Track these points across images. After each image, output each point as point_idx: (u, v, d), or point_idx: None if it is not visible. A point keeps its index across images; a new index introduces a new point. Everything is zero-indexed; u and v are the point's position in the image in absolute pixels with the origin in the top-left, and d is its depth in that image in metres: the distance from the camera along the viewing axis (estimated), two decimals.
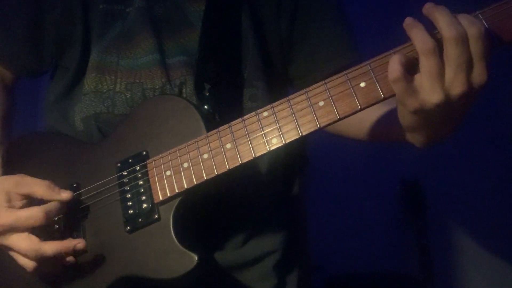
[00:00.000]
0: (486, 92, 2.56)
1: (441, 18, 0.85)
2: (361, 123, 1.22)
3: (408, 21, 0.88)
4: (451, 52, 0.85)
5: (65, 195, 1.09)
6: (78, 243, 1.07)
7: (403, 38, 0.93)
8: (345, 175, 2.86)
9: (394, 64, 0.87)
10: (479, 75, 0.86)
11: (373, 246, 2.81)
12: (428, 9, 0.87)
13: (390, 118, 1.07)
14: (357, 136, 1.28)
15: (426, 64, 0.86)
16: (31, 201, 1.08)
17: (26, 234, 1.04)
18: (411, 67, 0.88)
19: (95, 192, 1.14)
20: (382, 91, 0.92)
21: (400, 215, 2.84)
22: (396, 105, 0.95)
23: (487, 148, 2.80)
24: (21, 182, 1.08)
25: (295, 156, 1.34)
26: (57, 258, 1.06)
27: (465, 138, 2.76)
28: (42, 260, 1.05)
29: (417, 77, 0.88)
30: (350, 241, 2.82)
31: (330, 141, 2.62)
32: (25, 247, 1.04)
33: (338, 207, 2.85)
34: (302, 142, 1.37)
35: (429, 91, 0.87)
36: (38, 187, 1.07)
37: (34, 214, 1.04)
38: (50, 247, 1.05)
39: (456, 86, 0.86)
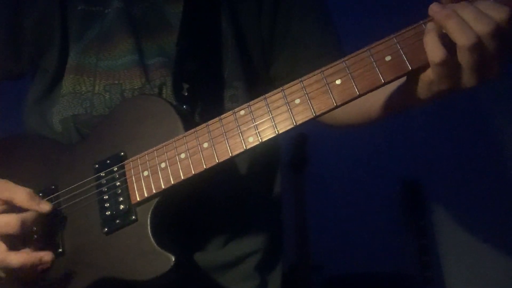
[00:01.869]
0: (486, 92, 2.54)
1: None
2: (362, 108, 1.17)
3: (436, 9, 0.83)
4: (495, 43, 0.81)
5: (45, 206, 1.07)
6: (45, 255, 1.04)
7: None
8: (345, 175, 2.84)
9: (436, 45, 0.83)
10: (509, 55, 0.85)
11: (373, 246, 2.78)
12: None
13: (390, 93, 1.05)
14: (359, 121, 1.23)
15: (468, 58, 0.82)
16: (9, 207, 1.06)
17: None
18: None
19: (72, 193, 1.13)
20: (357, 88, 0.91)
21: (400, 215, 2.81)
22: (419, 81, 0.91)
23: (487, 148, 2.78)
24: (3, 187, 1.07)
25: (273, 156, 1.33)
26: (24, 269, 1.03)
27: (465, 138, 2.76)
28: (7, 270, 1.03)
29: (456, 61, 0.84)
30: (350, 241, 2.80)
31: (331, 141, 2.64)
32: None
33: (338, 207, 2.83)
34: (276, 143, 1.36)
35: (467, 78, 0.85)
36: (19, 194, 1.06)
37: (11, 221, 1.02)
38: (16, 259, 1.02)
39: (493, 72, 0.85)
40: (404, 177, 2.81)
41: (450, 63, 0.84)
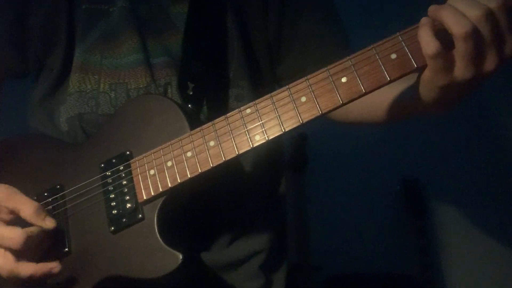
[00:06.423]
0: (486, 92, 2.55)
1: None
2: (372, 109, 1.18)
3: (433, 7, 0.86)
4: (490, 30, 0.83)
5: (49, 223, 1.07)
6: (54, 267, 1.04)
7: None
8: (345, 175, 2.85)
9: (429, 38, 0.85)
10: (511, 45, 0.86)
11: (373, 246, 2.79)
12: None
13: (400, 96, 1.06)
14: (368, 121, 1.24)
15: (464, 47, 0.84)
16: (14, 217, 1.06)
17: (2, 251, 1.02)
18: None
19: (78, 193, 1.13)
20: (363, 86, 0.92)
21: (400, 215, 2.82)
22: (420, 80, 0.93)
23: (487, 148, 2.79)
24: (12, 197, 1.06)
25: (277, 156, 1.33)
26: (33, 279, 1.04)
27: (465, 137, 2.77)
28: (16, 280, 1.03)
29: (451, 54, 0.86)
30: (350, 241, 2.80)
31: (331, 141, 2.64)
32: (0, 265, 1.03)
33: (338, 207, 2.83)
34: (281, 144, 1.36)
35: (464, 70, 0.86)
36: (26, 207, 1.05)
37: (16, 236, 1.01)
38: (24, 270, 1.02)
39: (491, 63, 0.86)
40: (404, 177, 2.82)
41: (445, 55, 0.85)
